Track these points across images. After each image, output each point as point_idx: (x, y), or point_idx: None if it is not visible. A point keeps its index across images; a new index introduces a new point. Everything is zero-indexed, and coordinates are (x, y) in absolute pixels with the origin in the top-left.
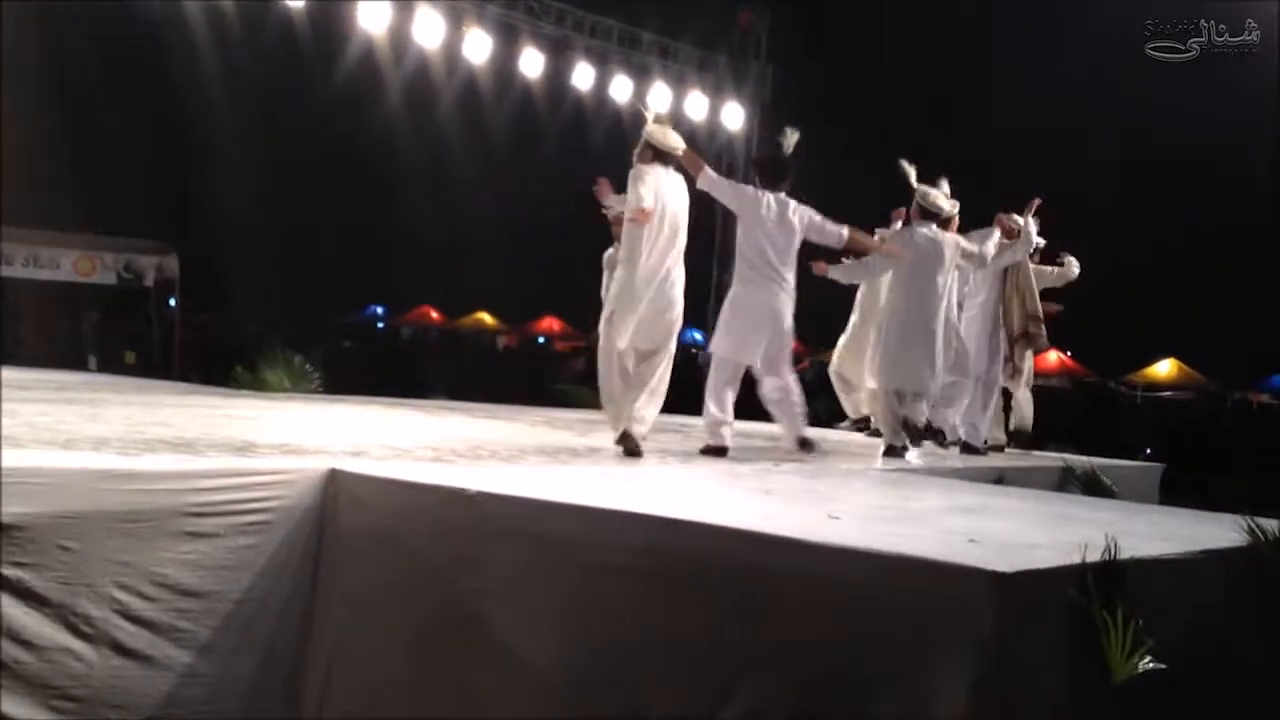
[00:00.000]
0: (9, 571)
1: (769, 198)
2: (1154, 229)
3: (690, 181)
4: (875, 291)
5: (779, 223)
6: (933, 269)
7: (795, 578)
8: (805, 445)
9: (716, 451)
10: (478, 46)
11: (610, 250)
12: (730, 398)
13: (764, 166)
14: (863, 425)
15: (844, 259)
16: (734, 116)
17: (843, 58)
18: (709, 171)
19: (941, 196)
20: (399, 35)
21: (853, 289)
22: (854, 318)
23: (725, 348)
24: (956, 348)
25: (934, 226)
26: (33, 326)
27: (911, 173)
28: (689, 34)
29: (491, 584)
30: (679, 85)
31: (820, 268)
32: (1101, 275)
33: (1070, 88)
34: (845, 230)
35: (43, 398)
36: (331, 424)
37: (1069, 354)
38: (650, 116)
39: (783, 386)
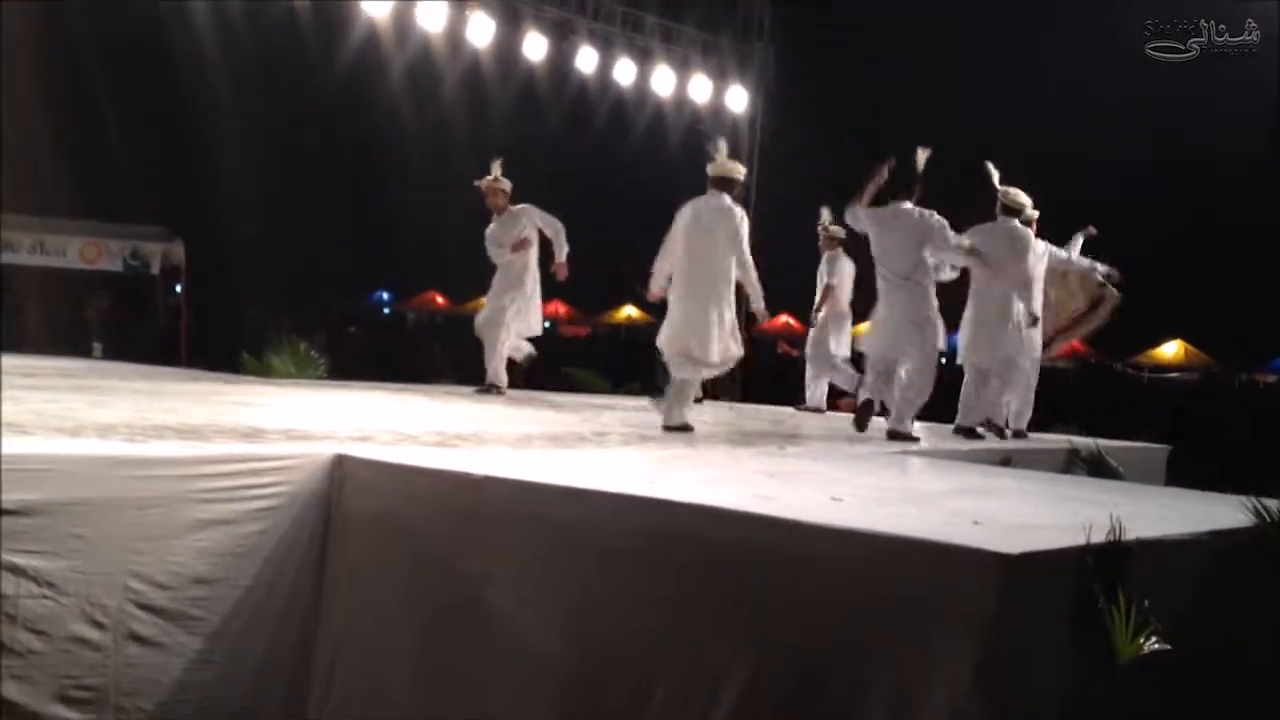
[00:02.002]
0: (23, 560)
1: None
2: (1159, 210)
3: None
4: None
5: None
6: (1016, 262)
7: (796, 559)
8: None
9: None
10: (481, 30)
11: None
12: None
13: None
14: None
15: None
16: (738, 99)
17: (845, 39)
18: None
19: (1023, 195)
20: (402, 19)
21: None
22: None
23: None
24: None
25: (1016, 222)
26: (38, 313)
27: (995, 174)
28: (692, 17)
29: (495, 567)
30: (682, 68)
31: None
32: (1108, 257)
33: (1074, 70)
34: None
35: (49, 385)
36: (337, 409)
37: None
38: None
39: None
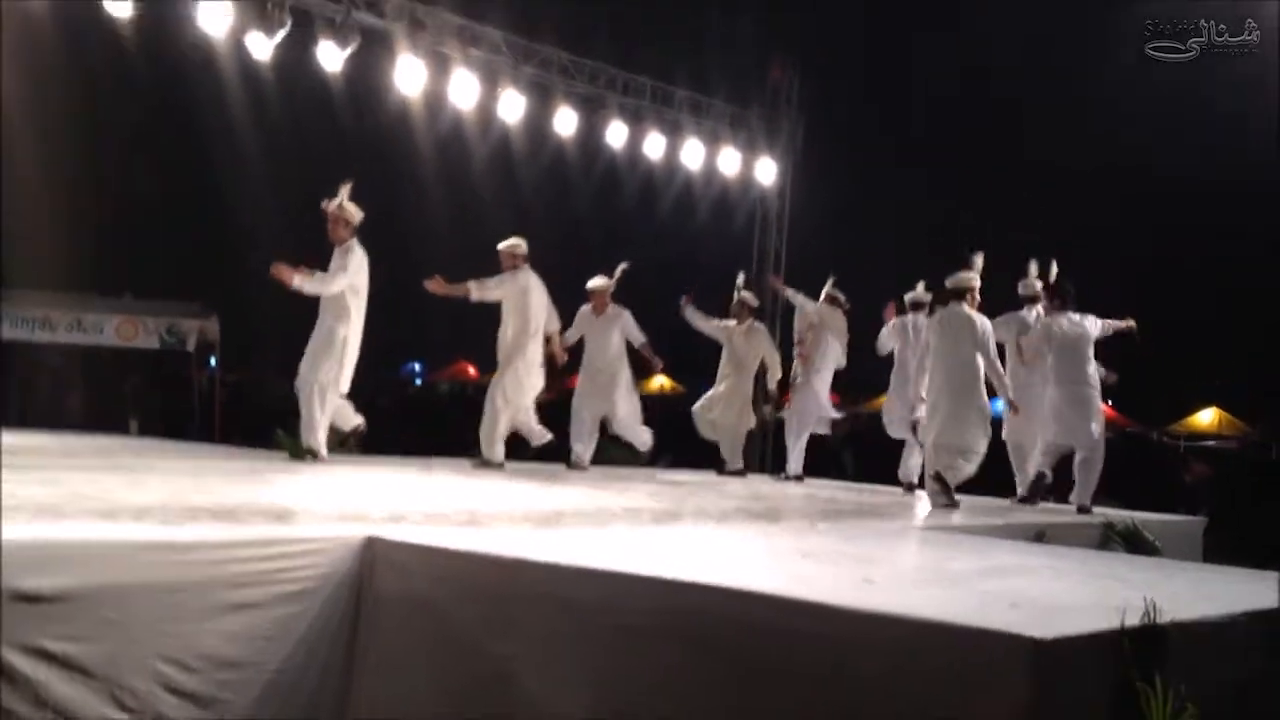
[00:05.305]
0: (53, 645)
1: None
2: (1193, 275)
3: None
4: None
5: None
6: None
7: (827, 644)
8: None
9: None
10: (512, 106)
11: None
12: None
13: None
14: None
15: None
16: (767, 171)
17: (873, 110)
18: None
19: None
20: (434, 96)
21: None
22: None
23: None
24: None
25: (1074, 315)
26: (77, 391)
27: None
28: (721, 90)
29: (524, 648)
30: (712, 141)
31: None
32: (1141, 323)
33: (1106, 134)
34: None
35: (87, 464)
36: (368, 487)
37: (1109, 404)
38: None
39: None
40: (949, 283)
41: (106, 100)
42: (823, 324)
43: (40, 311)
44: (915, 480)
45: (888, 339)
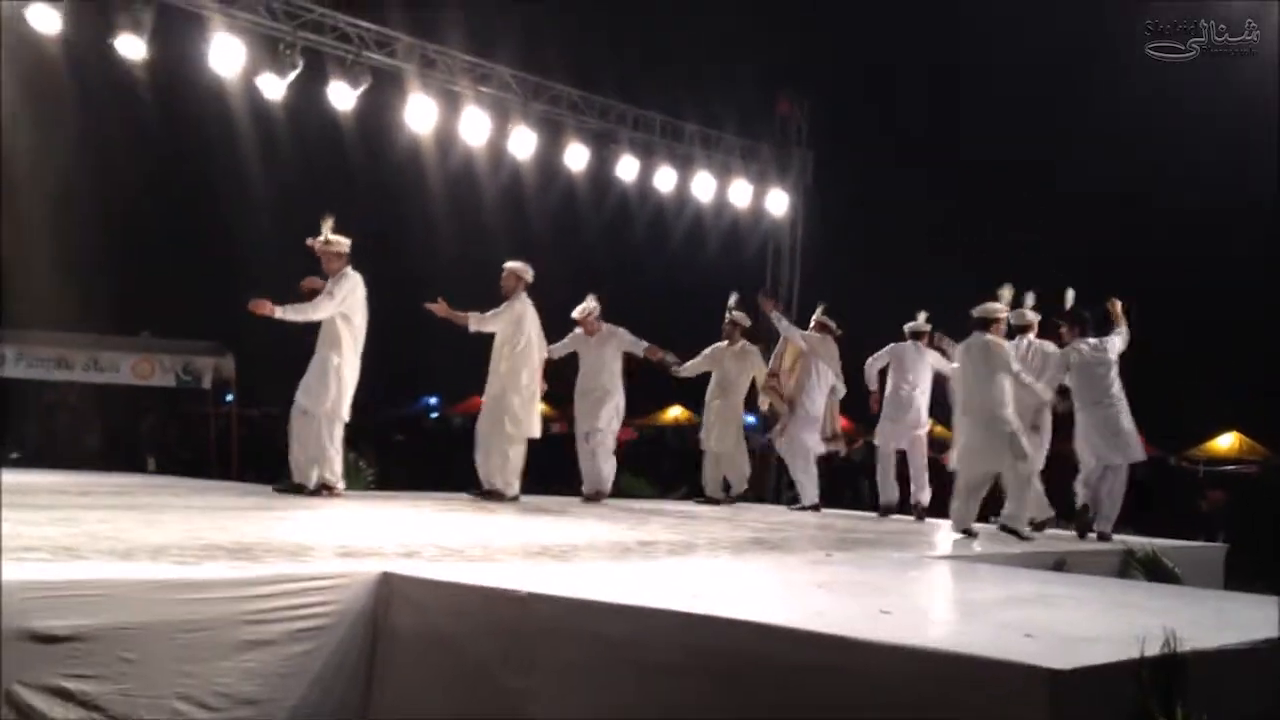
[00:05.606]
0: (71, 684)
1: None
2: (1211, 296)
3: None
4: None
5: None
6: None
7: (844, 675)
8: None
9: None
10: (523, 142)
11: None
12: None
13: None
14: None
15: None
16: (778, 203)
17: (882, 141)
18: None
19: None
20: (445, 133)
21: None
22: None
23: None
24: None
25: (1092, 339)
26: (94, 430)
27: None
28: (731, 123)
29: (540, 683)
30: (723, 174)
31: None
32: (1158, 346)
33: (1119, 161)
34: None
35: (103, 504)
36: (384, 522)
37: None
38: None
39: None
40: (976, 312)
41: (121, 141)
42: (813, 351)
43: (57, 351)
44: (924, 504)
45: (877, 366)
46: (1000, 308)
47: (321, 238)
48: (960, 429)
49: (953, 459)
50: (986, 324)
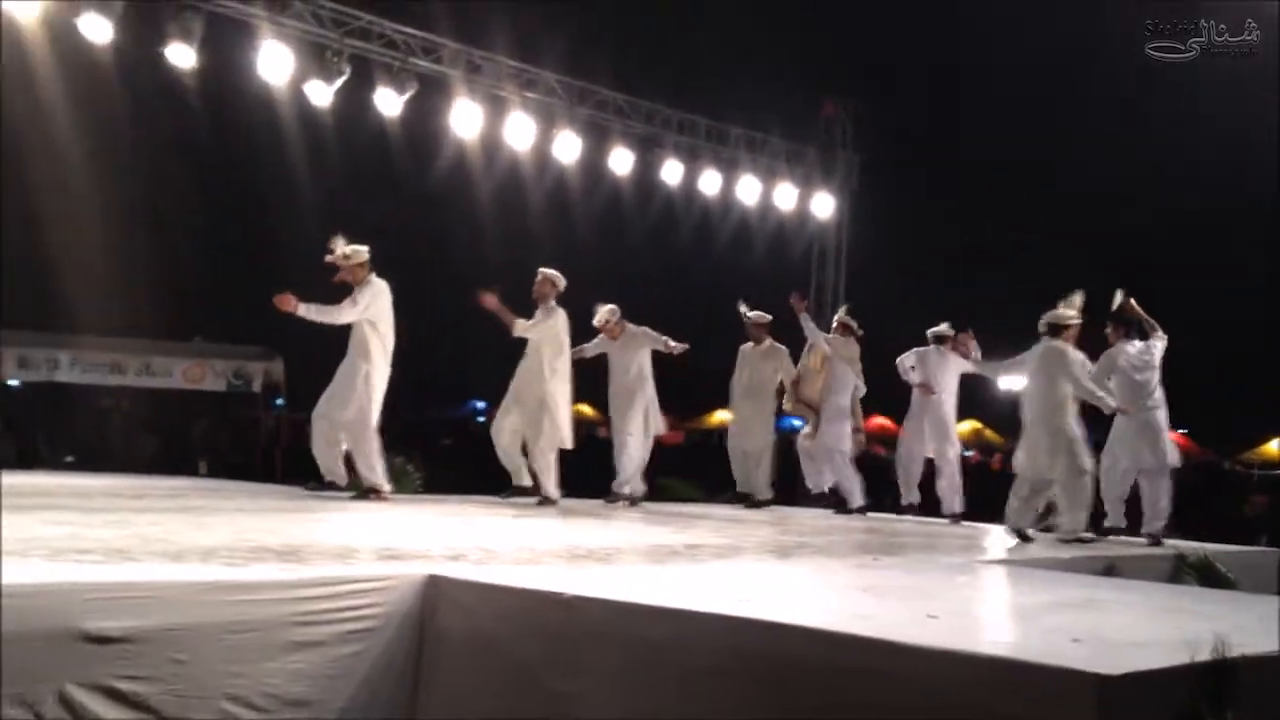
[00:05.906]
0: (122, 685)
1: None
2: (1265, 299)
3: None
4: None
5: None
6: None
7: (891, 681)
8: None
9: None
10: (567, 147)
11: None
12: None
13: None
14: None
15: None
16: (824, 205)
17: (926, 143)
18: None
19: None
20: (491, 138)
21: None
22: None
23: None
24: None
25: (1138, 342)
26: (147, 434)
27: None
28: (776, 126)
29: (586, 686)
30: (768, 177)
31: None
32: (1212, 350)
33: (1166, 162)
34: None
35: (154, 506)
36: (430, 526)
37: (1180, 432)
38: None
39: None
40: (1047, 318)
41: (171, 148)
42: (834, 353)
43: (111, 356)
44: (957, 510)
45: (907, 363)
46: (1071, 314)
47: (339, 253)
48: (1026, 433)
49: (1017, 460)
50: (1057, 331)
